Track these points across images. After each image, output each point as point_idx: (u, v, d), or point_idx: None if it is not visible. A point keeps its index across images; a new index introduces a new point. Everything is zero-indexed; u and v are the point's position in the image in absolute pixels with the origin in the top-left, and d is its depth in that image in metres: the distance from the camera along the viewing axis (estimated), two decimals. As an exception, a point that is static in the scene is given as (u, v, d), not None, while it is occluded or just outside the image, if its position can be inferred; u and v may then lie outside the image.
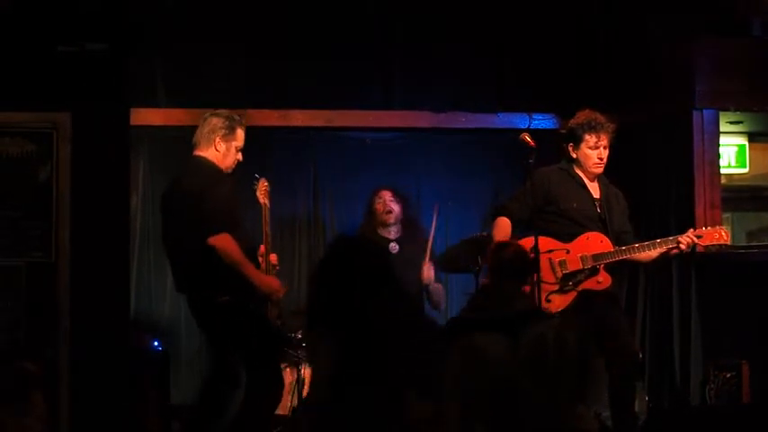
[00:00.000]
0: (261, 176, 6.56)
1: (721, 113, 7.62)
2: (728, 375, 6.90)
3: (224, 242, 5.87)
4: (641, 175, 7.71)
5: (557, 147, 7.60)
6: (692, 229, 6.20)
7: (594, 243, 6.19)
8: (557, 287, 6.19)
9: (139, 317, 7.81)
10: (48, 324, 6.44)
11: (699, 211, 7.40)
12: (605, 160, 6.32)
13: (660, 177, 7.70)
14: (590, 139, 6.28)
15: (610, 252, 6.17)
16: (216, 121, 6.18)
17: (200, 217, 5.91)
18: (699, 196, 7.41)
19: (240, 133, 6.22)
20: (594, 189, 6.37)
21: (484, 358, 4.11)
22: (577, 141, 6.32)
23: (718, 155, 7.64)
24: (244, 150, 6.22)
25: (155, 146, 7.99)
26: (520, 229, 6.36)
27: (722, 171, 7.82)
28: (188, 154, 6.19)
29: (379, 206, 7.43)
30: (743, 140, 8.90)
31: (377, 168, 8.18)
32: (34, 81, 6.50)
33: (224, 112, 6.26)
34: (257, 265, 6.17)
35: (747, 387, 6.84)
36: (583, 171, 6.36)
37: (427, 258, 7.35)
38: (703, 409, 6.93)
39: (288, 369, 7.05)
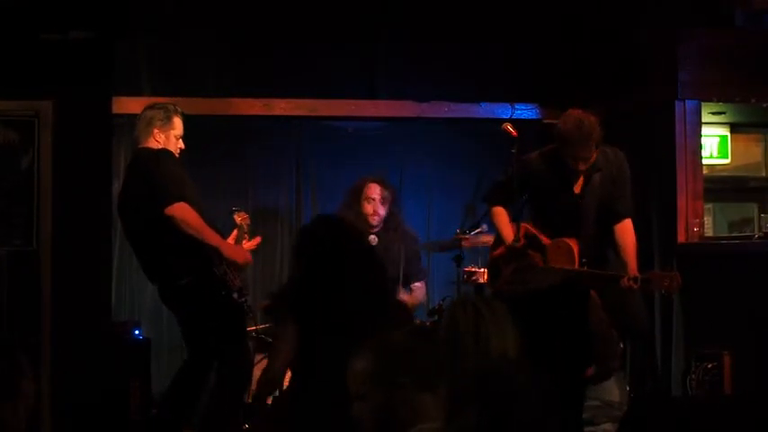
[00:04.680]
0: (239, 209, 6.61)
1: (703, 104, 7.61)
2: (710, 366, 6.90)
3: (181, 210, 5.81)
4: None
5: (538, 136, 7.66)
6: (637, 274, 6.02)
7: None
8: None
9: (121, 305, 7.80)
10: (29, 312, 6.43)
11: (681, 201, 7.40)
12: None
13: (642, 168, 7.69)
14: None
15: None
16: (151, 114, 6.17)
17: (150, 194, 5.87)
18: (681, 187, 7.41)
19: (177, 121, 6.19)
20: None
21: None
22: None
23: (701, 145, 7.64)
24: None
25: (136, 134, 7.95)
26: None
27: (704, 162, 7.82)
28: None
29: (368, 207, 7.18)
30: (725, 131, 8.90)
31: (360, 158, 8.17)
32: (16, 69, 6.48)
33: (159, 103, 6.28)
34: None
35: (729, 377, 6.85)
36: None
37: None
38: (684, 400, 6.95)
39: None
